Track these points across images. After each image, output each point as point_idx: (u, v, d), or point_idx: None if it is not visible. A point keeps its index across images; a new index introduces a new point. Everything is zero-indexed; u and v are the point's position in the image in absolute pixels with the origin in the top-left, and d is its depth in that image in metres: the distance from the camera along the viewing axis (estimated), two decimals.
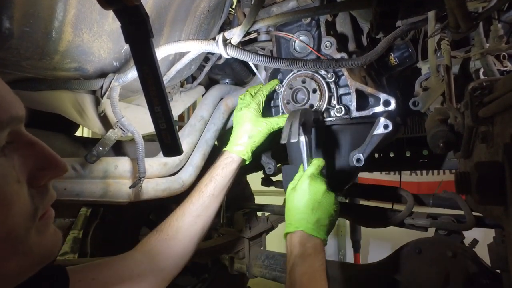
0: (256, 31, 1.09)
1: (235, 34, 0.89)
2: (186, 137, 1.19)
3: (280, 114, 1.10)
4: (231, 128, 1.08)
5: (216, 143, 1.33)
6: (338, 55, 0.99)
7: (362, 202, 1.76)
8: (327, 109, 1.00)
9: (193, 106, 1.63)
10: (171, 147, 0.68)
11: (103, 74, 0.99)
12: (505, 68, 0.90)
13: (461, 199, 1.16)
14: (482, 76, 0.91)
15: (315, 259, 0.75)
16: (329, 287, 0.73)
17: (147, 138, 1.23)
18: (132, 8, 0.56)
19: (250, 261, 1.58)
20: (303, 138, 0.87)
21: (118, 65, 1.01)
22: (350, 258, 3.27)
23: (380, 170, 2.46)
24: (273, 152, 1.24)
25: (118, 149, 1.14)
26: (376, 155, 1.67)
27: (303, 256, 0.76)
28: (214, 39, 0.89)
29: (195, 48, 0.92)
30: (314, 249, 0.77)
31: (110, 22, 0.89)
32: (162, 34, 1.06)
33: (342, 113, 0.97)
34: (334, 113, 0.99)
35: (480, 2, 0.76)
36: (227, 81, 1.51)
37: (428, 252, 1.11)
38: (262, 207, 1.78)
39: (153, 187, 1.07)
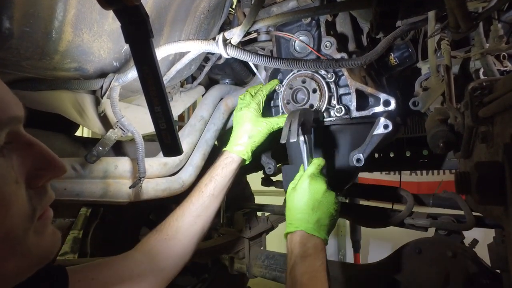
0: (256, 31, 1.09)
1: (235, 34, 0.89)
2: (186, 137, 1.19)
3: (280, 114, 1.10)
4: (231, 128, 1.08)
5: (216, 143, 1.33)
6: (338, 55, 0.98)
7: (362, 202, 1.76)
8: (327, 109, 1.00)
9: (193, 106, 1.63)
10: (171, 147, 0.68)
11: (103, 74, 0.99)
12: (505, 68, 0.90)
13: (461, 199, 1.16)
14: (482, 76, 0.91)
15: (315, 259, 0.75)
16: (330, 287, 0.73)
17: (147, 138, 1.23)
18: (132, 8, 0.56)
19: (250, 261, 1.58)
20: (302, 138, 0.87)
21: (118, 65, 1.01)
22: (350, 258, 3.27)
23: (380, 170, 2.46)
24: (273, 152, 1.24)
25: (118, 149, 1.14)
26: (376, 155, 1.66)
27: (303, 256, 0.76)
28: (214, 39, 0.89)
29: (195, 48, 0.92)
30: (315, 248, 0.77)
31: (110, 22, 0.89)
32: (162, 34, 1.06)
33: (342, 113, 0.97)
34: (334, 113, 0.99)
35: (480, 2, 0.76)
36: (227, 81, 1.51)
37: (428, 252, 1.11)
38: (262, 207, 1.78)
39: (153, 187, 1.07)
